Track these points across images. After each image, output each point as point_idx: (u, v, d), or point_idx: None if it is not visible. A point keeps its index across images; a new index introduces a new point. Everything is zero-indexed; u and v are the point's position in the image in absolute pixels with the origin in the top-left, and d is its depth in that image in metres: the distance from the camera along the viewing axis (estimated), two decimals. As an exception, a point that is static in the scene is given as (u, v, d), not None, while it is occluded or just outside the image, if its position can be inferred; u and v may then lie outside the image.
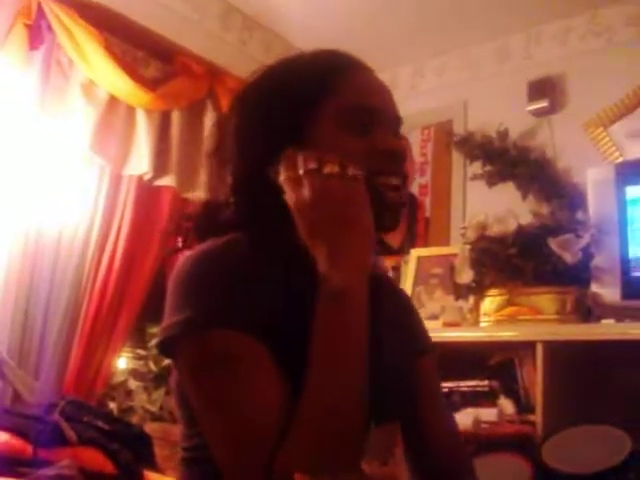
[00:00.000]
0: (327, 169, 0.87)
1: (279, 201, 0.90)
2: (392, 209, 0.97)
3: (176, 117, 2.84)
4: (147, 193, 2.79)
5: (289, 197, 0.88)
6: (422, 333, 1.19)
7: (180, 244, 1.09)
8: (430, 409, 1.10)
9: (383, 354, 0.97)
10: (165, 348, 0.89)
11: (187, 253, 0.94)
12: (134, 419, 2.59)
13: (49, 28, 2.47)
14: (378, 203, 0.92)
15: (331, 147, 0.92)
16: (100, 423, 2.04)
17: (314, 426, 0.79)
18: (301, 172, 0.88)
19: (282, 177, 0.90)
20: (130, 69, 2.63)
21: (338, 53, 1.03)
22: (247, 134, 0.98)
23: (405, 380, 1.04)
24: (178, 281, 0.90)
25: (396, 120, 1.02)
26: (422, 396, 1.08)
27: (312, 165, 0.87)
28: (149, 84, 2.69)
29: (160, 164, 2.74)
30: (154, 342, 2.71)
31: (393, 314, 1.09)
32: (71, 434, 1.92)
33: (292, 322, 0.86)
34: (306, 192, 0.86)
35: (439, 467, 1.09)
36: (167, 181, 2.78)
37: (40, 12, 2.44)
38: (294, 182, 0.88)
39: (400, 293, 1.24)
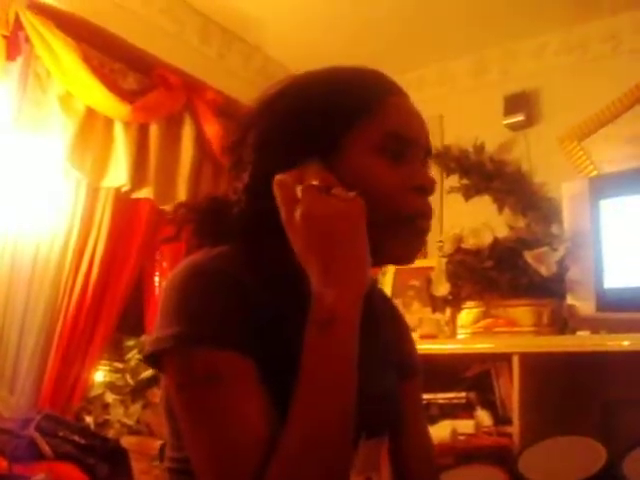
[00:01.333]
0: (335, 191, 0.86)
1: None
2: (417, 245, 0.96)
3: (154, 129, 2.83)
4: (125, 205, 2.78)
5: (281, 207, 0.87)
6: (411, 355, 1.18)
7: (173, 234, 1.05)
8: (410, 430, 1.09)
9: (374, 371, 0.96)
10: (153, 360, 0.88)
11: (181, 263, 0.92)
12: (111, 433, 2.56)
13: (26, 39, 2.46)
14: (405, 238, 0.93)
15: (361, 170, 0.91)
16: (76, 437, 2.02)
17: (296, 459, 0.78)
18: (300, 187, 0.86)
19: (276, 182, 0.88)
20: (108, 81, 2.62)
21: (378, 74, 1.01)
22: (273, 141, 0.95)
23: (393, 396, 1.03)
24: (171, 293, 0.88)
25: (428, 150, 1.00)
26: (405, 418, 1.07)
27: (315, 181, 0.86)
28: (127, 96, 2.68)
29: (138, 176, 2.73)
30: (138, 355, 2.69)
31: (387, 333, 1.08)
32: (47, 449, 1.90)
33: (283, 341, 0.85)
34: (302, 206, 0.85)
35: None
36: (145, 193, 2.77)
37: (17, 23, 2.43)
38: (289, 193, 0.87)
39: (395, 312, 1.22)
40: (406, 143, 0.94)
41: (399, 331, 1.18)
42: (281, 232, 0.89)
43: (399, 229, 0.92)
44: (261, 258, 0.91)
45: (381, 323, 1.07)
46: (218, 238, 0.96)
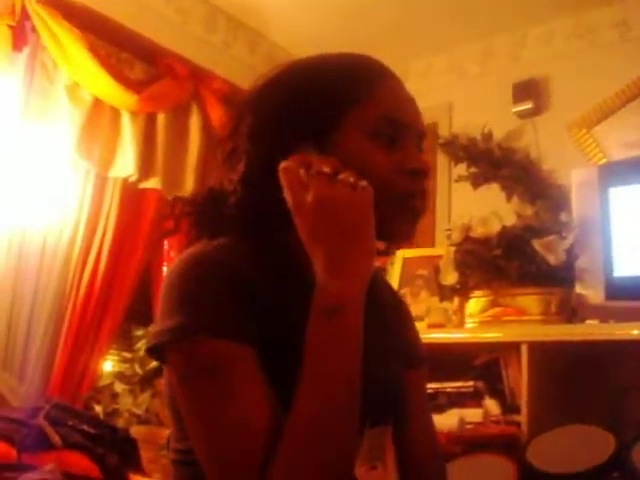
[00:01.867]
0: (342, 176, 0.86)
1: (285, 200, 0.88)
2: (411, 224, 0.97)
3: (161, 119, 2.83)
4: (132, 195, 2.78)
5: (288, 194, 0.86)
6: (416, 344, 1.18)
7: (172, 227, 1.06)
8: (415, 418, 1.08)
9: (379, 360, 0.96)
10: (155, 353, 0.88)
11: (181, 255, 0.92)
12: (120, 422, 2.57)
13: (33, 29, 2.46)
14: (398, 217, 0.94)
15: (356, 155, 0.91)
16: (85, 427, 2.03)
17: (302, 447, 0.78)
18: (312, 172, 0.86)
19: (283, 168, 0.87)
20: (115, 71, 2.61)
21: (370, 59, 1.01)
22: (267, 129, 0.95)
23: (398, 385, 1.03)
24: (170, 285, 0.88)
25: (422, 134, 1.00)
26: (410, 407, 1.07)
27: (326, 168, 0.86)
28: (134, 86, 2.68)
29: (145, 166, 2.73)
30: (144, 346, 2.70)
31: (391, 322, 1.08)
32: (56, 438, 1.91)
33: (285, 330, 0.85)
34: (312, 193, 0.84)
35: (415, 475, 1.09)
36: (152, 183, 2.77)
37: (24, 13, 2.43)
38: (297, 179, 0.86)
39: (400, 301, 1.22)
40: (400, 127, 0.95)
41: (403, 320, 1.18)
42: (280, 220, 0.89)
43: (394, 209, 0.93)
44: (261, 247, 0.91)
45: (385, 312, 1.07)
46: (217, 229, 0.96)
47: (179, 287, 0.87)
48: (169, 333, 0.84)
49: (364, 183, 0.86)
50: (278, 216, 0.89)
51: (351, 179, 0.86)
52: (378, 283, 1.07)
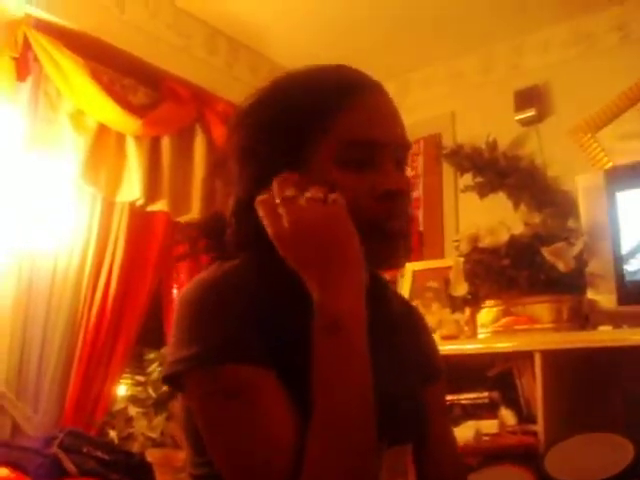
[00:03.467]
0: (310, 193, 0.86)
1: None
2: (394, 247, 0.95)
3: (166, 142, 2.84)
4: (140, 219, 2.79)
5: (267, 225, 0.87)
6: (434, 356, 1.16)
7: (186, 252, 1.07)
8: (436, 434, 1.06)
9: (394, 377, 0.95)
10: (172, 381, 0.87)
11: (192, 281, 0.92)
12: (135, 446, 2.57)
13: (35, 59, 2.48)
14: (379, 243, 0.92)
15: (329, 183, 0.90)
16: (100, 453, 2.03)
17: (322, 467, 0.78)
18: (277, 201, 0.86)
19: (258, 202, 0.88)
20: (118, 97, 2.63)
21: (343, 75, 0.98)
22: (247, 157, 0.96)
23: (416, 402, 1.02)
24: (184, 312, 0.88)
25: (401, 148, 0.97)
26: (431, 422, 1.05)
27: (289, 192, 0.86)
28: (138, 111, 2.70)
29: (152, 190, 2.74)
30: (157, 370, 2.70)
31: (405, 334, 1.07)
32: (70, 466, 1.91)
33: (301, 350, 0.84)
34: (287, 219, 0.85)
35: None
36: (159, 206, 2.78)
37: (26, 44, 2.45)
38: (270, 209, 0.87)
39: (414, 312, 1.21)
40: (370, 147, 0.93)
41: (419, 332, 1.16)
42: (271, 248, 0.89)
43: (371, 236, 0.90)
44: (269, 269, 0.91)
45: (399, 326, 1.05)
46: (225, 252, 0.96)
47: (193, 313, 0.87)
48: (187, 361, 0.83)
49: (334, 196, 0.86)
50: (270, 244, 0.89)
51: (320, 194, 0.86)
52: (387, 296, 1.06)
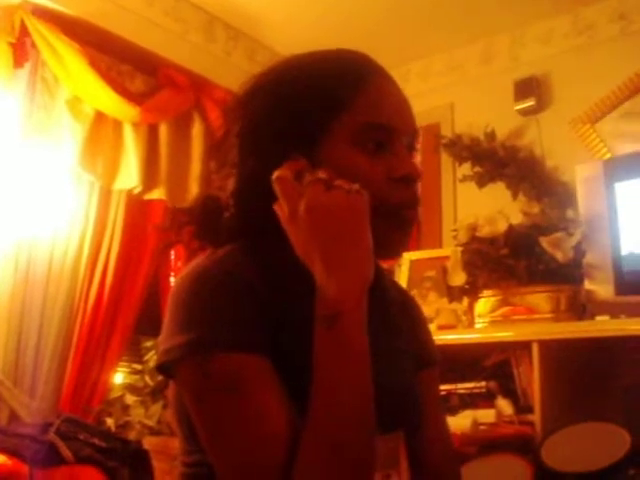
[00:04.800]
0: (338, 182, 0.85)
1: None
2: (404, 236, 0.94)
3: (163, 130, 2.83)
4: (137, 207, 2.78)
5: (282, 202, 0.86)
6: (427, 345, 1.15)
7: (174, 238, 1.05)
8: (429, 421, 1.06)
9: (389, 365, 0.95)
10: (165, 369, 0.86)
11: (186, 268, 0.91)
12: (132, 434, 2.57)
13: (33, 45, 2.47)
14: (391, 230, 0.91)
15: (342, 166, 0.89)
16: (97, 440, 2.02)
17: (319, 459, 0.77)
18: (307, 179, 0.85)
19: (276, 177, 0.86)
20: (115, 84, 2.62)
21: (357, 59, 0.98)
22: (254, 139, 0.94)
23: (410, 391, 1.01)
24: (177, 300, 0.87)
25: (413, 134, 0.97)
26: (423, 408, 1.04)
27: (323, 175, 0.85)
28: (135, 98, 2.69)
29: (149, 177, 2.73)
30: (153, 363, 2.70)
31: (400, 322, 1.06)
32: (67, 453, 1.91)
33: (296, 338, 0.84)
34: (306, 201, 0.83)
35: (430, 478, 1.06)
36: (157, 194, 2.77)
37: (23, 30, 2.44)
38: (291, 188, 0.86)
39: (409, 300, 1.20)
40: (386, 131, 0.92)
41: (414, 321, 1.15)
42: (276, 231, 0.88)
43: (385, 221, 0.90)
44: (264, 255, 0.90)
45: (394, 314, 1.05)
46: (218, 238, 0.94)
47: (187, 301, 0.86)
48: (180, 350, 0.82)
49: (357, 186, 0.85)
50: (274, 227, 0.88)
51: (346, 186, 0.85)
52: (384, 284, 1.06)
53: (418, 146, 1.00)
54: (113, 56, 2.74)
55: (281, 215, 0.86)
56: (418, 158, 3.26)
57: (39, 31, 2.44)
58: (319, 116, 0.91)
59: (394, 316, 1.05)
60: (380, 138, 0.91)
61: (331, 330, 0.80)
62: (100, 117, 2.63)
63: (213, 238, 0.95)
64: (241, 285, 0.85)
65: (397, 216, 0.92)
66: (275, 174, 0.87)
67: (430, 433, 1.06)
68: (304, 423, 0.79)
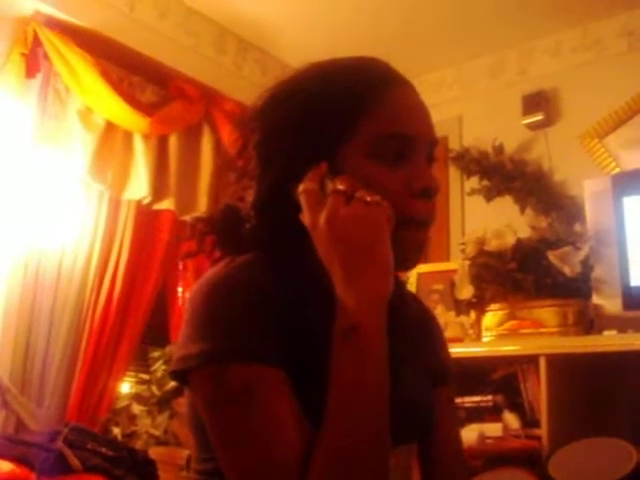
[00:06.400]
0: (359, 194, 0.84)
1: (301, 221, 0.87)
2: (418, 249, 0.94)
3: (173, 141, 2.85)
4: (146, 217, 2.80)
5: (306, 214, 0.85)
6: (445, 362, 1.14)
7: (195, 248, 1.04)
8: (442, 437, 1.06)
9: (403, 379, 0.94)
10: (179, 376, 0.86)
11: (204, 276, 0.90)
12: (138, 444, 2.57)
13: (45, 56, 2.50)
14: (406, 244, 0.90)
15: (361, 174, 0.88)
16: (104, 449, 2.03)
17: (333, 469, 0.77)
18: (329, 190, 0.85)
19: (302, 190, 0.86)
20: (127, 95, 2.64)
21: (376, 68, 0.96)
22: (272, 150, 0.93)
23: (424, 404, 1.01)
24: (195, 308, 0.86)
25: (432, 144, 0.95)
26: (438, 425, 1.04)
27: (342, 186, 0.84)
28: (146, 109, 2.70)
29: (158, 188, 2.75)
30: (163, 368, 2.70)
31: (418, 337, 1.05)
32: (75, 462, 1.91)
33: (313, 350, 0.83)
34: (326, 210, 0.83)
35: None
36: (166, 205, 2.79)
37: (36, 40, 2.47)
38: (313, 198, 0.85)
39: (428, 316, 1.18)
40: (406, 140, 0.91)
41: (433, 336, 1.14)
42: (297, 242, 0.88)
43: (400, 234, 0.88)
44: (283, 266, 0.90)
45: (412, 328, 1.04)
46: (239, 247, 0.94)
47: (204, 310, 0.85)
48: (196, 358, 0.82)
49: (378, 198, 0.85)
50: (296, 238, 0.88)
51: (367, 198, 0.84)
52: (404, 297, 1.05)
53: (437, 156, 0.98)
54: (124, 67, 2.77)
55: (307, 226, 0.86)
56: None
57: (51, 42, 2.47)
58: (338, 125, 0.90)
59: (412, 330, 1.04)
60: (400, 148, 0.90)
61: (349, 342, 0.80)
62: (110, 127, 2.65)
63: (234, 248, 0.94)
64: (258, 296, 0.85)
65: (413, 231, 0.91)
66: (301, 187, 0.86)
67: (443, 447, 1.06)
68: (318, 435, 0.78)
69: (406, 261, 0.94)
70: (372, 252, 0.83)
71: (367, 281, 0.82)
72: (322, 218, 0.83)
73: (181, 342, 0.86)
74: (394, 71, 0.97)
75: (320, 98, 0.92)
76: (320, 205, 0.84)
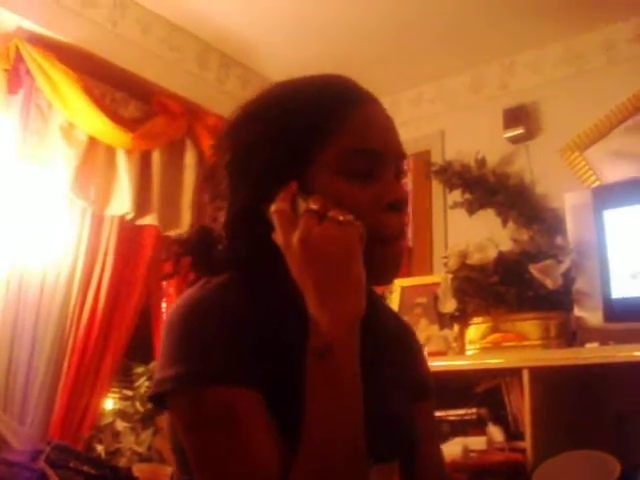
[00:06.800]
0: (332, 213, 0.84)
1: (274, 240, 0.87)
2: (394, 263, 0.94)
3: (156, 156, 2.85)
4: (130, 233, 2.79)
5: (279, 234, 0.85)
6: (425, 376, 1.14)
7: (171, 270, 1.03)
8: (424, 453, 1.05)
9: (383, 396, 0.94)
10: (158, 400, 0.86)
11: (180, 298, 0.90)
12: (122, 461, 2.55)
13: (27, 72, 2.49)
14: (381, 260, 0.91)
15: (331, 193, 0.88)
16: (86, 468, 2.02)
17: None
18: (302, 210, 0.85)
19: (274, 211, 0.86)
20: (109, 110, 2.64)
21: (343, 86, 0.96)
22: (242, 171, 0.93)
23: (404, 421, 1.00)
24: (171, 330, 0.86)
25: (400, 158, 0.96)
26: (419, 440, 1.04)
27: (315, 206, 0.85)
28: (129, 124, 2.70)
29: (141, 203, 2.75)
30: (144, 390, 2.68)
31: (396, 352, 1.05)
32: (57, 481, 1.90)
33: (289, 370, 0.83)
34: (299, 231, 0.83)
35: None
36: (149, 220, 2.79)
37: (18, 56, 2.47)
38: (286, 218, 0.85)
39: (407, 331, 1.17)
40: (373, 156, 0.91)
41: (411, 351, 1.14)
42: (270, 262, 0.88)
43: (375, 250, 0.89)
44: (259, 286, 0.90)
45: (389, 344, 1.04)
46: (213, 269, 0.94)
47: (180, 333, 0.85)
48: (172, 382, 0.82)
49: (350, 217, 0.85)
50: (269, 257, 0.88)
51: (340, 217, 0.84)
52: (380, 313, 1.05)
53: (406, 170, 0.99)
54: (107, 83, 2.77)
55: (280, 246, 0.86)
56: (409, 185, 3.28)
57: (34, 58, 2.47)
58: (305, 145, 0.90)
59: (389, 345, 1.03)
60: (368, 164, 0.91)
61: (322, 362, 0.80)
62: (93, 143, 2.64)
63: (208, 269, 0.95)
64: (233, 317, 0.85)
65: (387, 246, 0.91)
66: (273, 207, 0.87)
67: (425, 463, 1.05)
68: (295, 455, 0.78)
69: (383, 276, 0.95)
70: (344, 272, 0.83)
71: (340, 300, 0.82)
72: (295, 238, 0.83)
73: (158, 365, 0.87)
74: (361, 88, 0.97)
75: (288, 117, 0.92)
76: (293, 225, 0.85)
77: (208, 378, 0.81)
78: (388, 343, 1.03)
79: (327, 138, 0.90)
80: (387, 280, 0.97)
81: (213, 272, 0.93)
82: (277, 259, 0.87)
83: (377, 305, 1.02)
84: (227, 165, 0.95)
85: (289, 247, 0.84)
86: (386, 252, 0.92)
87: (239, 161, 0.94)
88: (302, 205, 0.86)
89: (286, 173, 0.89)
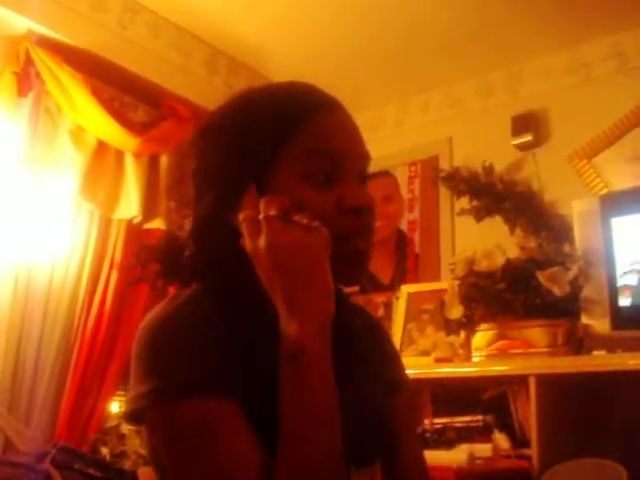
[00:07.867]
0: (297, 217, 0.85)
1: (241, 246, 0.87)
2: (358, 266, 0.94)
3: (164, 160, 2.85)
4: (137, 236, 2.79)
5: (248, 241, 0.86)
6: (397, 369, 1.14)
7: (140, 275, 1.03)
8: (403, 449, 1.04)
9: (358, 395, 0.94)
10: (135, 417, 0.86)
11: (150, 312, 0.90)
12: (127, 464, 2.55)
13: (37, 75, 2.50)
14: (344, 260, 0.90)
15: (293, 198, 0.88)
16: (92, 470, 2.02)
17: None
18: (261, 216, 0.85)
19: (240, 218, 0.87)
20: (118, 114, 2.65)
21: (308, 91, 0.97)
22: (207, 177, 0.94)
23: (383, 420, 1.00)
24: (142, 346, 0.86)
25: (362, 159, 0.96)
26: (398, 434, 1.03)
27: (273, 211, 0.85)
28: (137, 129, 2.71)
29: (149, 207, 2.75)
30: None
31: (367, 349, 1.05)
32: (62, 483, 1.90)
33: (264, 376, 0.83)
34: (264, 238, 0.83)
35: None
36: (156, 224, 2.79)
37: (28, 60, 2.48)
38: (253, 225, 0.85)
39: (376, 326, 1.18)
40: (335, 159, 0.91)
41: (382, 346, 1.14)
42: (237, 268, 0.88)
43: (339, 251, 0.88)
44: (228, 293, 0.89)
45: (360, 341, 1.03)
46: (180, 276, 0.95)
47: (149, 349, 0.85)
48: (145, 398, 0.82)
49: (316, 223, 0.85)
50: (235, 263, 0.88)
51: (304, 220, 0.85)
52: (348, 312, 1.05)
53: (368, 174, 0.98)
54: (116, 87, 2.78)
55: (249, 253, 0.86)
56: (416, 191, 3.28)
57: (43, 61, 2.48)
58: (265, 150, 0.91)
59: (360, 343, 1.03)
60: (329, 167, 0.91)
61: (294, 367, 0.80)
62: (102, 147, 2.65)
63: (175, 277, 0.95)
64: (204, 328, 0.85)
65: (347, 246, 0.91)
66: (240, 216, 0.87)
67: (404, 461, 1.05)
68: (274, 462, 0.78)
69: (350, 276, 0.95)
70: (313, 277, 0.83)
71: (309, 305, 0.82)
72: (261, 245, 0.84)
73: (131, 383, 0.86)
74: (325, 94, 0.98)
75: (250, 121, 0.93)
76: (258, 231, 0.85)
77: (181, 391, 0.81)
78: (357, 341, 1.02)
79: (288, 142, 0.91)
80: (353, 280, 0.96)
81: (180, 279, 0.94)
82: (244, 264, 0.87)
83: (343, 304, 1.00)
84: (193, 171, 0.96)
85: (255, 253, 0.85)
86: (347, 251, 0.91)
87: (203, 167, 0.95)
88: (263, 209, 0.86)
89: (248, 178, 0.90)
